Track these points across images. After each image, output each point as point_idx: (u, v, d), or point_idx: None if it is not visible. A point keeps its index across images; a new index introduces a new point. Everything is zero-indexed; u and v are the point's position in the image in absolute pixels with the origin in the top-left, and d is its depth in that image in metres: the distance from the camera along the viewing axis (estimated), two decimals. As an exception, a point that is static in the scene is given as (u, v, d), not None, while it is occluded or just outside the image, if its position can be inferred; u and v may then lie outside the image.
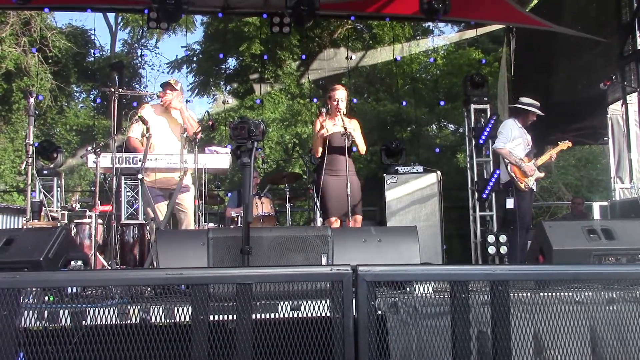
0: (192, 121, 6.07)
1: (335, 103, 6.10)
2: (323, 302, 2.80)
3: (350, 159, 6.03)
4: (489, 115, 9.50)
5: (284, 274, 2.84)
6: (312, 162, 7.49)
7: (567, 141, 7.01)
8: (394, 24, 16.47)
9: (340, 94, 6.13)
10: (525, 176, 6.59)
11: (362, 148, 6.15)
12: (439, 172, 8.55)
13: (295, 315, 2.87)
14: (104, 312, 2.87)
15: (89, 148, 5.69)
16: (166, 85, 6.34)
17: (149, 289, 3.21)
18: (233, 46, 18.02)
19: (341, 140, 6.01)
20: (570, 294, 2.97)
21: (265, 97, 17.99)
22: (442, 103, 16.25)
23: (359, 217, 6.02)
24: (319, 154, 6.11)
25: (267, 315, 2.92)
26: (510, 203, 6.68)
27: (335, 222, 5.94)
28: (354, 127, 6.10)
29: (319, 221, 6.93)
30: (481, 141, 9.38)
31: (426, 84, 18.72)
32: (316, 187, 6.23)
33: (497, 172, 9.07)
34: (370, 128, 16.68)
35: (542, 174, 6.84)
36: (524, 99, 6.89)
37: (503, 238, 8.41)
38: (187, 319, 2.73)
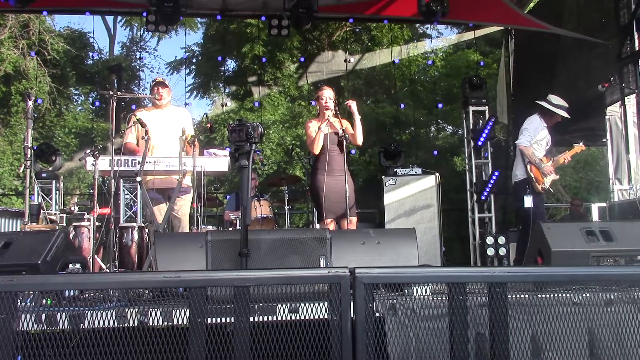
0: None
1: (323, 101, 6.11)
2: (321, 304, 2.80)
3: (343, 160, 6.02)
4: (487, 117, 9.51)
5: (282, 276, 2.84)
6: (311, 163, 7.50)
7: (580, 144, 6.85)
8: (392, 26, 16.48)
9: (328, 93, 6.13)
10: (543, 177, 6.52)
11: (359, 136, 6.10)
12: (437, 174, 8.57)
13: (293, 318, 2.87)
14: (102, 315, 2.87)
15: (88, 151, 5.69)
16: (159, 84, 6.35)
17: (147, 291, 3.20)
18: (233, 47, 18.03)
19: (334, 140, 6.01)
20: (568, 295, 2.97)
21: (265, 99, 18.01)
22: (440, 106, 16.26)
23: (354, 219, 6.00)
24: (319, 150, 6.07)
25: (265, 318, 2.92)
26: (528, 202, 6.53)
27: (331, 224, 5.93)
28: (346, 126, 6.08)
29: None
30: (480, 143, 9.39)
31: (425, 86, 18.73)
32: (310, 188, 6.24)
33: (496, 173, 9.09)
34: (369, 130, 16.62)
35: (557, 176, 6.74)
36: (553, 98, 6.66)
37: (502, 240, 8.41)
38: (185, 321, 2.73)
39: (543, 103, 6.68)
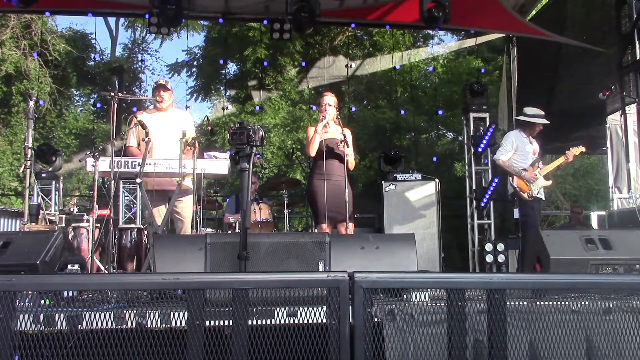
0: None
1: (322, 107, 6.13)
2: (319, 308, 2.80)
3: (342, 165, 6.01)
4: (487, 124, 9.53)
5: (281, 279, 2.84)
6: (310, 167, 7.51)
7: (580, 146, 6.85)
8: (394, 31, 16.52)
9: (328, 99, 6.16)
10: (527, 185, 6.58)
11: (352, 162, 6.12)
12: (437, 181, 8.56)
13: (292, 322, 2.87)
14: (100, 316, 2.87)
15: (88, 152, 5.70)
16: (160, 87, 6.34)
17: (145, 293, 3.20)
18: (235, 51, 18.06)
19: (332, 145, 6.01)
20: (566, 303, 2.97)
21: (266, 103, 18.03)
22: (440, 112, 16.29)
23: (351, 225, 5.98)
24: (314, 153, 6.08)
25: (263, 321, 2.92)
26: (515, 213, 6.71)
27: (327, 229, 5.92)
28: (346, 133, 6.07)
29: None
30: (480, 149, 9.41)
31: (425, 92, 18.76)
32: (307, 192, 6.25)
33: (496, 180, 9.09)
34: (369, 135, 16.72)
35: (549, 182, 6.77)
36: (528, 110, 6.85)
37: (501, 246, 8.41)
38: (183, 324, 2.72)
39: (520, 117, 6.90)
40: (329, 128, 6.11)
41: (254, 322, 2.83)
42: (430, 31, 17.74)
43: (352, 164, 6.12)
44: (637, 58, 8.35)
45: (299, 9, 8.45)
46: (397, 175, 8.62)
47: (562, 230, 8.16)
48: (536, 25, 10.65)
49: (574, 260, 4.45)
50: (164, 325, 2.87)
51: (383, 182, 8.62)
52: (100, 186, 5.82)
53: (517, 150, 6.75)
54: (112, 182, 5.58)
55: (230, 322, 2.68)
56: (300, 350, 2.66)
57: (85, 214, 6.66)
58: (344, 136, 5.93)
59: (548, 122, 6.80)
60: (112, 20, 21.34)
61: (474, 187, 9.51)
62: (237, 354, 2.63)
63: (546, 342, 2.85)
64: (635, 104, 8.28)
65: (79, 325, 2.84)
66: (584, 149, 6.93)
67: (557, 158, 7.10)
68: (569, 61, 10.26)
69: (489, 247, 8.53)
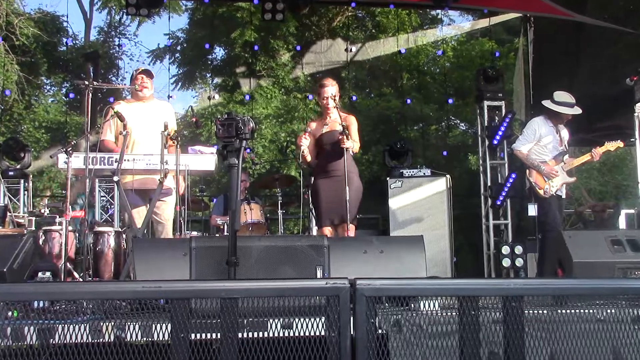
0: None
1: (324, 101, 6.12)
2: (317, 319, 2.80)
3: (351, 160, 6.00)
4: (504, 113, 9.53)
5: (274, 287, 2.84)
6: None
7: (618, 140, 6.75)
8: (399, 11, 16.52)
9: (330, 90, 6.13)
10: (544, 181, 6.56)
11: (356, 147, 6.10)
12: (448, 176, 8.58)
13: (287, 334, 2.87)
14: (74, 329, 2.86)
15: (60, 147, 5.69)
16: (144, 73, 6.34)
17: (124, 303, 3.20)
18: (222, 33, 18.03)
19: (333, 138, 6.00)
20: (591, 311, 2.97)
21: (257, 91, 18.01)
22: (450, 101, 16.27)
23: (352, 227, 5.97)
24: (307, 163, 6.12)
25: (255, 334, 2.92)
26: (531, 210, 6.67)
27: (328, 231, 5.92)
28: (350, 123, 6.06)
29: (316, 230, 6.91)
30: (495, 142, 9.40)
31: (434, 78, 18.76)
32: (310, 191, 6.26)
33: (513, 176, 9.09)
34: (373, 126, 16.70)
35: (572, 179, 6.72)
36: (557, 96, 6.71)
37: (519, 249, 8.41)
38: (167, 337, 2.72)
39: (546, 103, 6.76)
40: (328, 119, 6.11)
41: (245, 335, 2.83)
42: (439, 11, 17.71)
43: (355, 149, 6.08)
44: (668, 39, 8.36)
45: (293, -14, 8.46)
46: (403, 171, 8.64)
47: (586, 231, 8.17)
48: (555, 3, 10.64)
49: (599, 263, 4.46)
50: (145, 338, 2.87)
51: (388, 178, 8.64)
52: (73, 185, 5.81)
53: (540, 140, 6.69)
54: (87, 180, 5.57)
55: (219, 335, 2.68)
56: (296, 365, 2.67)
57: (58, 216, 6.66)
58: (343, 127, 5.90)
59: (579, 112, 6.71)
60: (86, 1, 21.29)
61: (489, 184, 9.50)
62: (226, 370, 2.63)
63: (568, 354, 2.86)
64: (666, 90, 8.27)
65: (51, 340, 2.84)
66: (621, 144, 6.83)
67: (580, 150, 7.09)
68: (590, 44, 10.25)
69: (505, 250, 8.54)
